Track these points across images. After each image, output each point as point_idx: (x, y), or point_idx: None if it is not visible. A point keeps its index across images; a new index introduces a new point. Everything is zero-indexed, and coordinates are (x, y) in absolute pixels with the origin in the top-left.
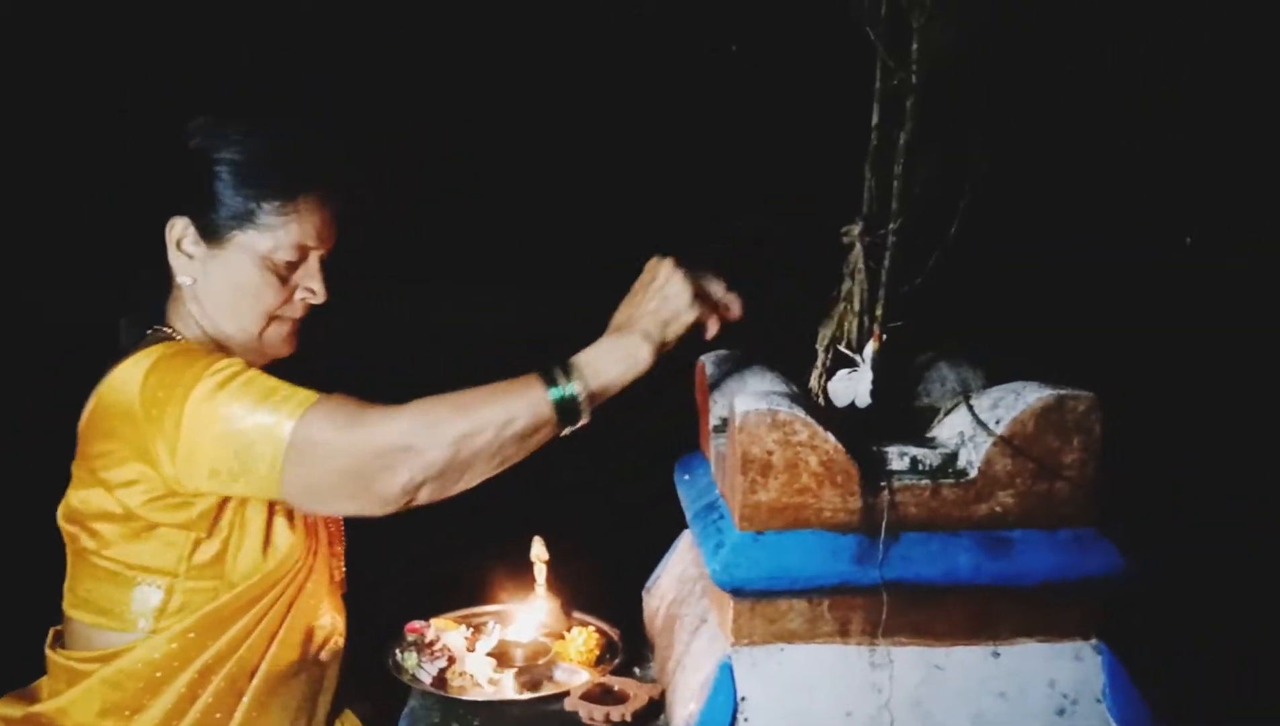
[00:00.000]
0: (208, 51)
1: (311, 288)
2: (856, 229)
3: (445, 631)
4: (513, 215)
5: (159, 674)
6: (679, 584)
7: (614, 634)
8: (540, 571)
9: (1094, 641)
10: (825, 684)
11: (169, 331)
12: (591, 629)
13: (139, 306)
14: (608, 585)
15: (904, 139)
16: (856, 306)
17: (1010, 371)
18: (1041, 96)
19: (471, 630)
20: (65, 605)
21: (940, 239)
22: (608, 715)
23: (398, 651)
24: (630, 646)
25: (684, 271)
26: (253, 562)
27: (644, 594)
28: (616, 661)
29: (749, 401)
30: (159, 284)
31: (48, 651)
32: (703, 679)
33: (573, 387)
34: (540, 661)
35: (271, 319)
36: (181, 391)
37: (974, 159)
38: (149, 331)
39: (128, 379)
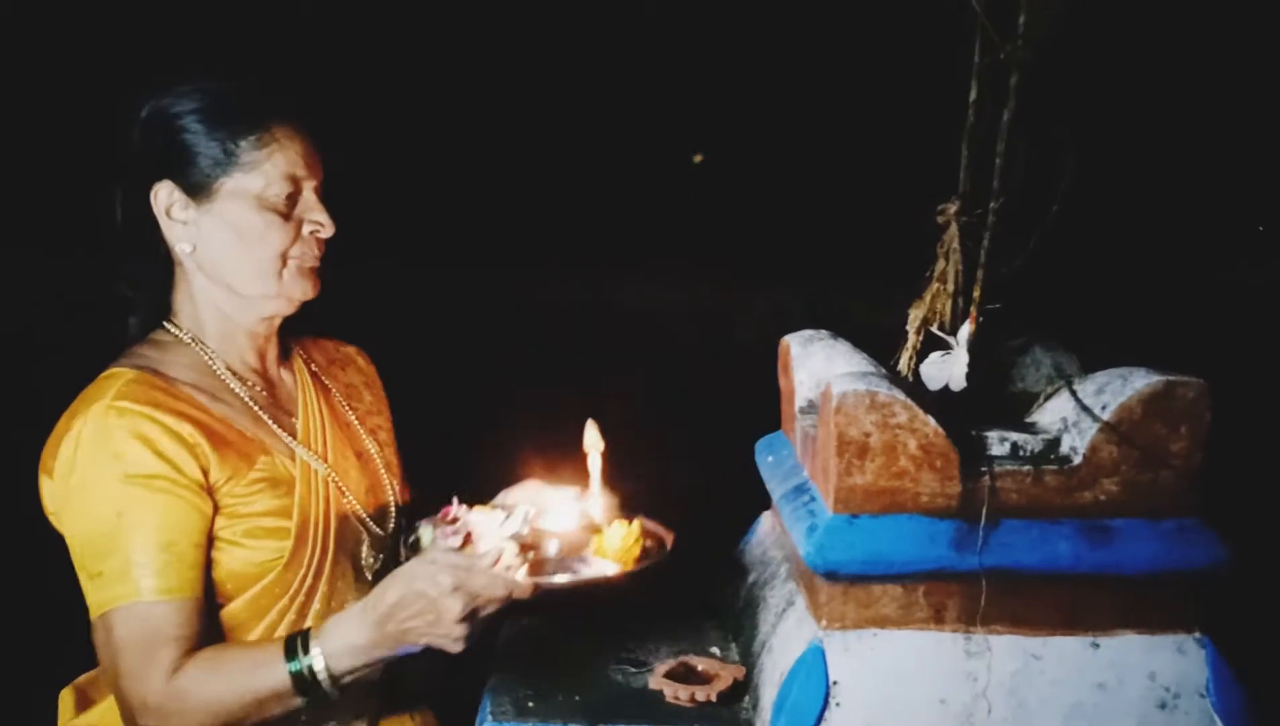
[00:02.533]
0: (205, 42)
1: (317, 221)
2: (953, 207)
3: (474, 513)
4: (547, 200)
5: None
6: (760, 565)
7: (667, 537)
8: (595, 462)
9: (1197, 634)
10: (919, 670)
11: (173, 329)
12: (634, 524)
13: (142, 296)
14: (685, 564)
15: (1006, 116)
16: (951, 287)
17: (1107, 357)
18: (1150, 78)
19: (508, 517)
20: None
21: (1040, 220)
22: (693, 695)
23: (418, 528)
24: (678, 555)
25: (462, 605)
26: (241, 568)
27: (722, 575)
28: (662, 557)
29: (847, 382)
30: (145, 276)
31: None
32: (792, 661)
33: (323, 685)
34: (578, 556)
35: (285, 261)
36: (76, 480)
37: (1069, 143)
38: (152, 328)
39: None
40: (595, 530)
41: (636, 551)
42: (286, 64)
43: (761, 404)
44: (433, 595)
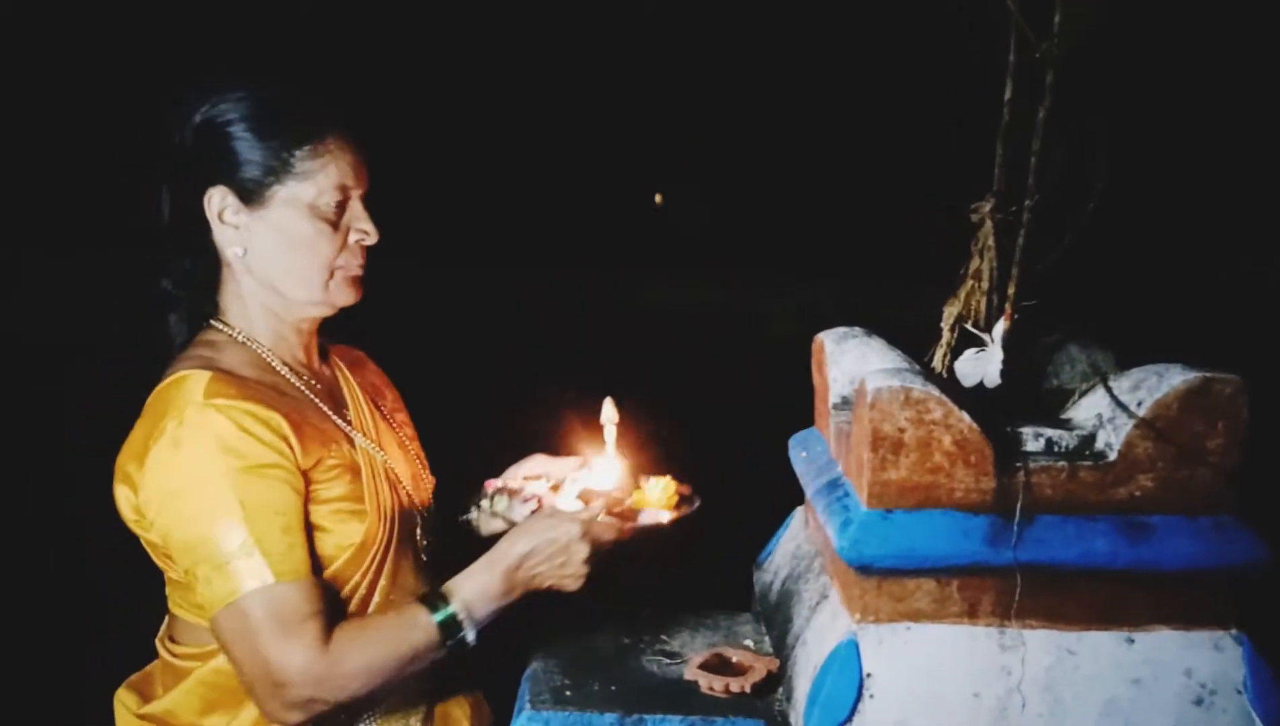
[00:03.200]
0: (212, 41)
1: (364, 229)
2: (988, 205)
3: (529, 484)
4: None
5: None
6: (794, 559)
7: (686, 488)
8: (610, 433)
9: (1234, 631)
10: (953, 664)
11: (223, 328)
12: (668, 477)
13: (184, 294)
14: (716, 560)
15: (1041, 114)
16: (985, 284)
17: (1142, 353)
18: (1188, 75)
19: (549, 483)
20: (169, 600)
21: (1075, 217)
22: (727, 686)
23: (483, 501)
24: (705, 498)
25: (590, 548)
26: (330, 551)
27: (755, 569)
28: (696, 505)
29: (881, 378)
30: (193, 274)
31: (157, 643)
32: (826, 654)
33: (466, 632)
34: (626, 504)
35: (333, 270)
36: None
37: (1104, 141)
38: (202, 325)
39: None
40: (635, 488)
41: (675, 500)
42: (287, 64)
43: (792, 401)
44: (564, 542)
